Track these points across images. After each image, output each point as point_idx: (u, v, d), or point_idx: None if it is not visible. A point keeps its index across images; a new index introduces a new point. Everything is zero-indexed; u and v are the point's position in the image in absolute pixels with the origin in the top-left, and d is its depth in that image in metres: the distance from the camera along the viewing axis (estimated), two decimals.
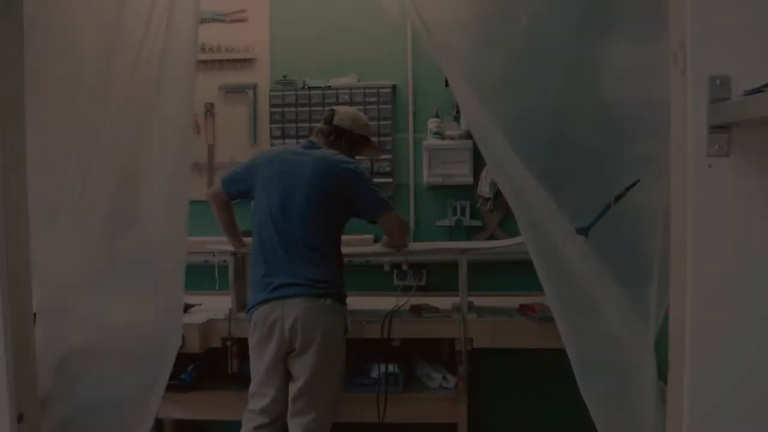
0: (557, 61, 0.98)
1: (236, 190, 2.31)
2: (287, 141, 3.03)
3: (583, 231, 0.97)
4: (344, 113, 2.33)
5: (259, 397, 2.17)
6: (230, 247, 2.51)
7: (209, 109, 3.10)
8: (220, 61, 3.10)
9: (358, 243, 2.93)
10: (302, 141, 2.36)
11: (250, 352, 2.21)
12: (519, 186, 0.98)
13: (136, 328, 1.27)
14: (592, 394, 1.04)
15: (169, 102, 1.24)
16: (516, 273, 2.96)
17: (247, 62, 3.09)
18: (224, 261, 2.59)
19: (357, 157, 2.41)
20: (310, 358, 2.09)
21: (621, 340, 1.02)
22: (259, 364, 2.17)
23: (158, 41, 1.20)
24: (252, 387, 2.20)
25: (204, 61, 3.09)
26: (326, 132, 2.30)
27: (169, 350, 1.32)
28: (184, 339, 2.41)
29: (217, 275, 2.94)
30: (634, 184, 0.96)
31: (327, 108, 2.42)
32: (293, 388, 2.13)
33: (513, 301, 2.68)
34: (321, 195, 2.15)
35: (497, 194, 2.94)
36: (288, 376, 2.17)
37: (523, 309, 2.50)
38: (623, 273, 1.00)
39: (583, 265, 0.97)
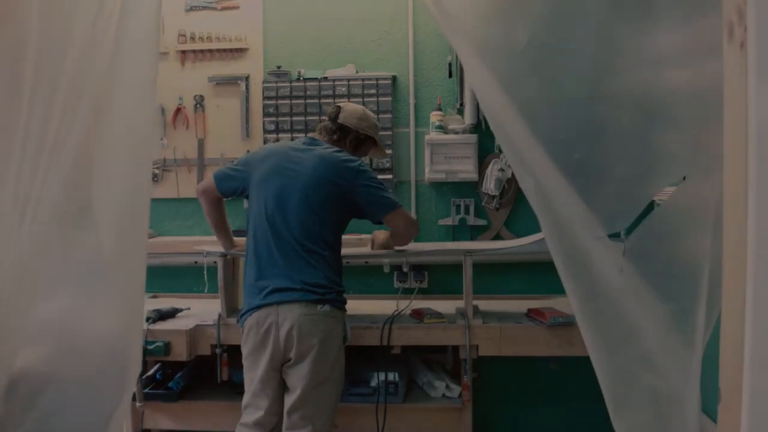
0: (588, 40, 0.83)
1: (230, 187, 2.18)
2: (281, 135, 2.88)
3: (619, 237, 0.83)
4: (351, 111, 2.20)
5: (252, 410, 2.04)
6: (220, 248, 2.36)
7: (199, 102, 2.95)
8: (210, 51, 2.95)
9: (356, 244, 2.80)
10: (302, 137, 2.22)
11: (243, 361, 2.07)
12: (543, 183, 0.83)
13: (90, 346, 1.10)
14: (625, 426, 0.89)
15: (127, 91, 1.08)
16: (522, 275, 2.85)
17: (239, 52, 2.94)
18: (214, 262, 2.45)
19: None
20: (307, 368, 1.95)
21: (660, 365, 0.87)
22: (252, 374, 2.04)
23: (112, 22, 1.04)
24: (245, 398, 2.06)
25: (194, 51, 2.95)
26: (330, 130, 2.18)
27: (129, 372, 1.16)
28: (170, 346, 2.30)
29: (206, 277, 2.80)
30: (680, 181, 0.81)
31: (334, 104, 2.28)
32: (288, 400, 1.99)
33: (520, 305, 2.55)
34: (321, 195, 2.02)
35: (503, 192, 2.80)
36: (283, 387, 2.02)
37: (533, 314, 2.36)
38: (665, 286, 0.85)
39: (618, 276, 0.82)
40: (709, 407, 0.89)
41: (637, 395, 0.87)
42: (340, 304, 2.06)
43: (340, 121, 2.17)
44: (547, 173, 0.81)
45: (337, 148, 2.13)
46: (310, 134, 2.25)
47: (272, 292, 1.98)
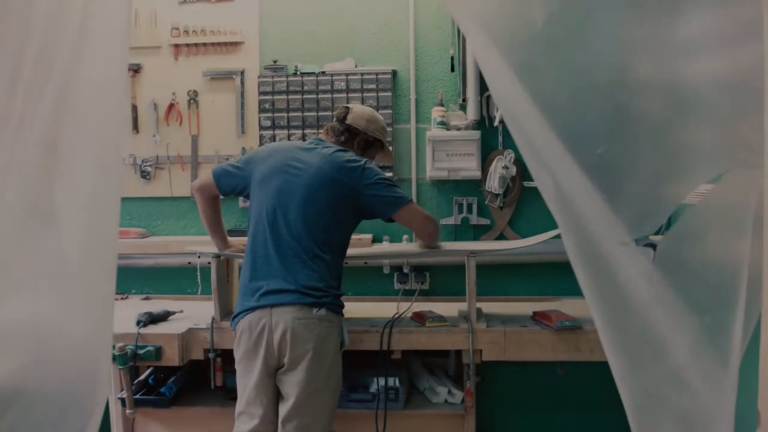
0: (613, 20, 0.74)
1: (229, 186, 2.09)
2: (277, 132, 2.79)
3: (646, 242, 0.74)
4: (360, 112, 2.14)
5: (246, 418, 1.95)
6: (214, 249, 2.27)
7: (193, 98, 2.86)
8: (204, 44, 2.86)
9: (355, 244, 2.71)
10: (309, 138, 2.15)
11: (236, 366, 1.98)
12: (562, 182, 0.73)
13: (48, 364, 1.00)
14: None
15: (93, 85, 0.98)
16: (527, 276, 2.77)
17: (234, 46, 2.85)
18: (208, 263, 2.36)
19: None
20: (301, 374, 1.87)
21: (690, 381, 0.78)
22: (245, 380, 1.96)
23: (76, 13, 0.94)
24: (238, 405, 1.98)
25: (187, 45, 2.86)
26: (338, 131, 2.11)
27: (96, 394, 1.05)
28: (162, 351, 2.21)
29: (199, 279, 2.71)
30: (715, 179, 0.72)
31: (342, 105, 2.21)
32: (283, 408, 1.91)
33: (525, 308, 2.47)
34: (325, 195, 1.95)
35: (507, 190, 2.71)
36: (278, 395, 1.93)
37: (538, 317, 2.27)
38: (697, 296, 0.76)
39: (646, 286, 0.73)
40: (744, 428, 0.80)
41: (665, 417, 0.78)
42: (337, 308, 1.97)
43: (348, 122, 2.10)
44: (566, 171, 0.72)
45: (341, 148, 2.06)
46: (317, 135, 2.18)
47: (266, 294, 1.90)
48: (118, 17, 0.99)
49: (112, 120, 1.02)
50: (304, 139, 2.64)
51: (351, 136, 2.10)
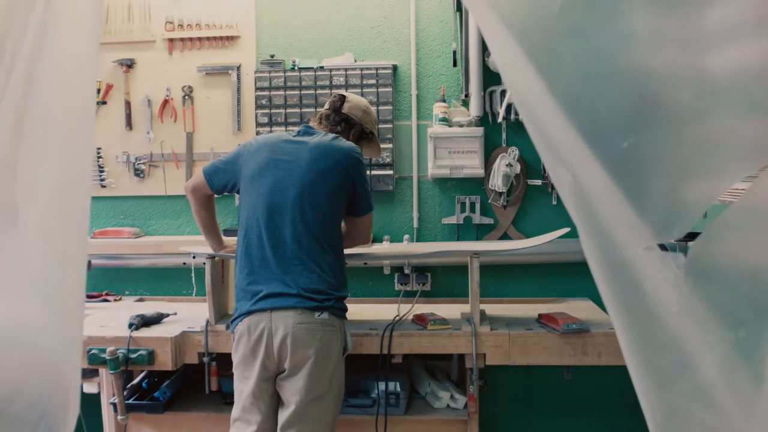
0: (640, 2, 0.66)
1: (221, 183, 2.01)
2: (275, 128, 2.71)
3: (675, 246, 0.67)
4: (356, 102, 2.07)
5: (242, 424, 1.88)
6: (209, 249, 2.19)
7: (187, 93, 2.78)
8: (199, 39, 2.78)
9: None
10: (299, 127, 2.04)
11: (234, 371, 1.90)
12: (581, 179, 0.66)
13: (13, 380, 0.91)
14: None
15: (59, 79, 0.90)
16: (531, 277, 2.70)
17: (229, 40, 2.77)
18: (203, 264, 2.28)
19: None
20: (302, 381, 1.79)
21: (720, 400, 0.70)
22: (242, 385, 1.88)
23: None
24: (234, 411, 1.91)
25: (182, 40, 2.78)
26: (334, 120, 2.04)
27: (67, 415, 0.96)
28: (155, 355, 2.14)
29: (194, 280, 2.64)
30: (755, 175, 0.64)
31: (334, 93, 2.13)
32: (282, 415, 1.84)
33: (530, 310, 2.40)
34: (322, 188, 1.87)
35: (511, 188, 2.64)
36: (277, 401, 1.87)
37: (544, 320, 2.19)
38: (732, 306, 0.68)
39: (674, 295, 0.66)
40: None
41: None
42: (340, 312, 1.89)
43: (345, 111, 2.03)
44: (586, 167, 0.64)
45: (335, 136, 1.98)
46: (307, 122, 2.08)
47: (265, 297, 1.82)
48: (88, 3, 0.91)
49: (80, 116, 0.94)
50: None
51: (348, 126, 2.03)
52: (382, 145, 2.65)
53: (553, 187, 2.63)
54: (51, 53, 0.90)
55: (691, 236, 0.66)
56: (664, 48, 0.65)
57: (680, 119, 0.64)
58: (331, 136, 1.96)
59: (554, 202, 2.68)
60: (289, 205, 1.85)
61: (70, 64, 0.91)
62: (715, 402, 0.72)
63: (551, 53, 0.66)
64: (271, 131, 2.71)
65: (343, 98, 2.05)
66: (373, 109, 2.16)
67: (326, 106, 2.08)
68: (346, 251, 2.06)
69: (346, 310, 1.93)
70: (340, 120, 2.02)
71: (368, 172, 2.61)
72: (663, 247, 0.66)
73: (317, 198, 1.85)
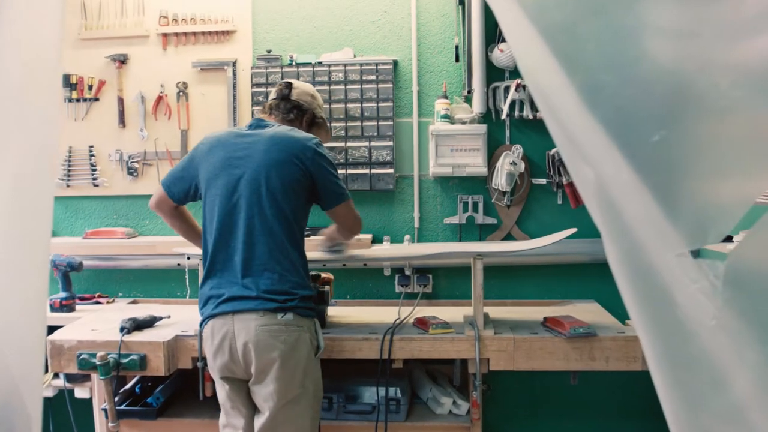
0: None
1: (180, 192, 1.92)
2: None
3: (712, 254, 0.59)
4: (303, 88, 2.02)
5: (230, 430, 1.84)
6: (200, 251, 2.11)
7: (182, 90, 2.71)
8: (194, 33, 2.70)
9: (354, 245, 2.56)
10: (250, 120, 1.97)
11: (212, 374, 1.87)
12: (606, 178, 0.58)
13: None
14: None
15: (14, 60, 0.82)
16: (536, 278, 2.63)
17: (225, 35, 2.69)
18: (197, 265, 2.21)
19: None
20: (271, 386, 1.73)
21: (756, 422, 0.63)
22: (220, 389, 1.85)
23: None
24: (221, 418, 1.88)
25: (176, 34, 2.71)
26: (285, 108, 1.96)
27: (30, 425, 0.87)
28: (147, 360, 2.07)
29: (188, 282, 2.57)
30: None
31: (280, 81, 2.06)
32: (258, 422, 1.78)
33: (534, 312, 2.32)
34: (276, 183, 1.77)
35: (515, 187, 2.56)
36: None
37: (550, 324, 2.12)
38: None
39: (709, 308, 0.58)
40: None
41: None
42: (307, 312, 1.80)
43: (294, 98, 1.96)
44: (610, 163, 0.57)
45: (291, 128, 1.89)
46: (257, 115, 2.01)
47: (227, 301, 1.76)
48: None
49: (41, 104, 0.86)
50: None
51: (300, 113, 1.96)
52: (382, 143, 2.59)
53: (558, 186, 2.56)
54: (7, 41, 0.82)
55: (728, 241, 0.59)
56: (699, 29, 0.57)
57: (716, 110, 0.56)
58: (286, 127, 1.88)
59: (559, 202, 2.61)
60: (245, 203, 1.77)
61: (30, 54, 0.83)
62: (751, 424, 0.64)
63: (570, 34, 0.59)
64: None
65: (289, 85, 1.98)
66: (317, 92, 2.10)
67: (273, 95, 2.00)
68: (364, 252, 1.99)
69: (313, 309, 1.84)
70: (292, 107, 1.95)
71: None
72: (696, 253, 0.59)
73: (274, 193, 1.77)
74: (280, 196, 1.77)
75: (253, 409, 1.81)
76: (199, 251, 2.11)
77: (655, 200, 0.58)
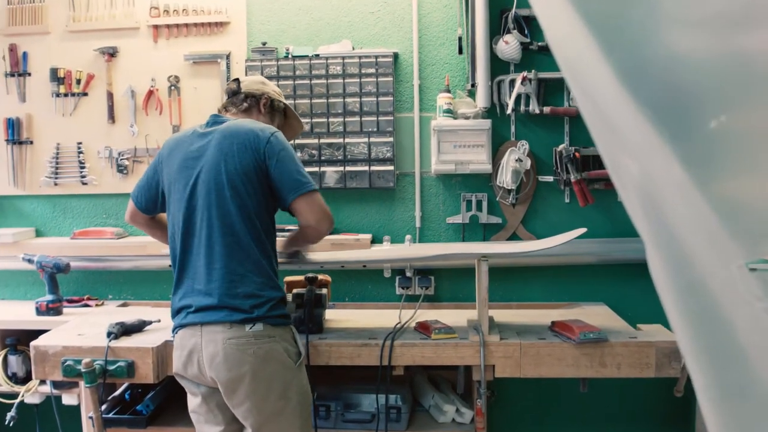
0: None
1: (149, 201, 1.83)
2: None
3: None
4: (251, 79, 1.95)
5: None
6: None
7: (174, 84, 2.60)
8: (186, 25, 2.60)
9: (353, 245, 2.47)
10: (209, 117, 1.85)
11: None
12: (654, 175, 0.48)
13: None
14: None
15: None
16: (542, 279, 2.53)
17: (219, 26, 2.59)
18: None
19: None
20: (247, 402, 1.63)
21: None
22: (192, 399, 1.76)
23: None
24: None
25: (168, 26, 2.60)
26: (237, 101, 1.86)
27: None
28: (135, 366, 1.97)
29: None
30: None
31: (229, 81, 1.98)
32: None
33: (541, 316, 2.23)
34: (231, 177, 1.65)
35: (520, 185, 2.46)
36: (228, 410, 1.71)
37: (558, 328, 2.02)
38: None
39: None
40: None
41: None
42: (278, 320, 1.67)
43: (244, 90, 1.86)
44: (659, 155, 0.47)
45: (243, 119, 1.79)
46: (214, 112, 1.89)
47: (194, 312, 1.65)
48: None
49: None
50: None
51: (254, 100, 1.86)
52: (383, 139, 2.48)
53: (566, 184, 2.45)
54: None
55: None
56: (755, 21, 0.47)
57: None
58: (243, 120, 1.77)
59: (567, 200, 2.50)
60: (202, 205, 1.66)
61: None
62: None
63: (609, 17, 0.49)
64: None
65: (237, 80, 1.91)
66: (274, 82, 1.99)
67: (225, 96, 1.91)
68: (363, 254, 1.85)
69: (286, 315, 1.71)
70: (244, 97, 1.85)
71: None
72: (761, 266, 0.49)
73: (230, 188, 1.64)
74: (236, 191, 1.65)
75: (231, 416, 1.71)
76: None
77: (711, 201, 0.48)
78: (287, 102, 1.99)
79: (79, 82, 2.64)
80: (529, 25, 2.45)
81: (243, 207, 1.65)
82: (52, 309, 2.36)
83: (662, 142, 0.49)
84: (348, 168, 2.49)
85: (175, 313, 1.73)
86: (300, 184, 1.67)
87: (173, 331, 1.75)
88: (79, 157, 2.65)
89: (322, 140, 2.48)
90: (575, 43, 0.52)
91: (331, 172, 2.49)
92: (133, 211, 1.87)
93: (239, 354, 1.60)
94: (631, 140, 0.50)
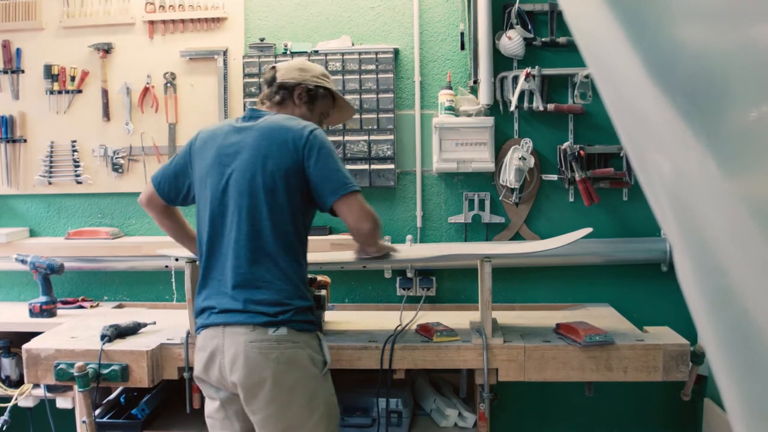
0: None
1: (172, 190, 1.75)
2: None
3: None
4: (287, 66, 1.77)
5: None
6: (188, 252, 1.97)
7: (170, 81, 2.55)
8: (182, 21, 2.55)
9: (352, 246, 2.41)
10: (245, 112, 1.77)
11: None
12: (686, 173, 0.44)
13: None
14: None
15: None
16: (545, 280, 2.48)
17: (216, 22, 2.53)
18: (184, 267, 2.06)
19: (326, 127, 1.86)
20: (265, 410, 1.55)
21: None
22: (209, 403, 1.69)
23: None
24: None
25: (164, 22, 2.55)
26: (271, 93, 1.74)
27: None
28: (129, 370, 1.93)
29: (174, 285, 2.42)
30: None
31: (267, 68, 1.83)
32: None
33: (545, 318, 2.18)
34: (266, 182, 1.58)
35: (524, 184, 2.40)
36: (247, 417, 1.64)
37: (563, 331, 1.97)
38: None
39: None
40: None
41: None
42: (304, 325, 1.60)
43: (279, 81, 1.73)
44: (688, 154, 0.42)
45: (281, 115, 1.68)
46: (250, 105, 1.80)
47: (218, 313, 1.59)
48: None
49: None
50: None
51: (288, 92, 1.72)
52: (383, 137, 2.43)
53: (570, 183, 2.40)
54: None
55: None
56: None
57: None
58: (282, 116, 1.67)
59: (571, 199, 2.45)
60: (233, 207, 1.59)
61: None
62: None
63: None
64: None
65: (273, 70, 1.77)
66: (314, 63, 1.81)
67: (264, 86, 1.79)
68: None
69: (312, 321, 1.64)
70: (277, 89, 1.73)
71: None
72: None
73: (264, 192, 1.57)
74: (270, 196, 1.58)
75: (248, 427, 1.63)
76: (188, 253, 1.97)
77: (749, 203, 0.43)
78: (332, 85, 1.80)
79: (73, 79, 2.59)
80: (532, 20, 2.39)
81: (275, 212, 1.58)
82: (46, 311, 2.31)
83: (696, 138, 0.44)
84: (347, 166, 2.42)
85: (199, 313, 1.66)
86: (339, 185, 1.58)
87: (197, 332, 1.68)
88: (73, 155, 2.60)
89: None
90: (599, 28, 0.47)
91: None
92: (152, 195, 1.77)
93: (261, 358, 1.53)
94: (662, 135, 0.45)
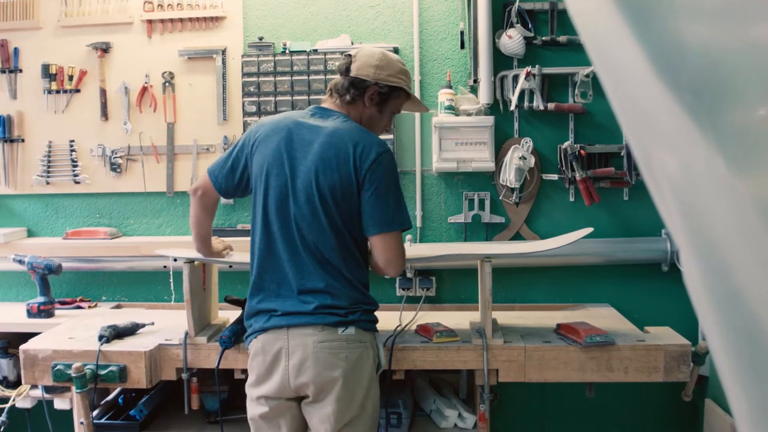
0: None
1: (228, 186, 1.69)
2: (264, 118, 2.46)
3: None
4: (366, 58, 1.63)
5: None
6: (190, 252, 1.95)
7: (168, 80, 2.54)
8: (181, 20, 2.53)
9: None
10: (312, 107, 1.69)
11: (246, 390, 1.65)
12: (689, 173, 0.42)
13: None
14: None
15: None
16: (546, 280, 2.47)
17: (214, 21, 2.52)
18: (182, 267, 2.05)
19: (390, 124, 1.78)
20: (330, 407, 1.54)
21: None
22: (254, 409, 1.62)
23: None
24: None
25: (162, 21, 2.54)
26: (342, 88, 1.63)
27: None
28: (127, 371, 1.92)
29: (172, 286, 2.40)
30: None
31: (344, 53, 1.72)
32: None
33: (545, 318, 2.17)
34: (331, 192, 1.55)
35: (524, 184, 2.39)
36: (298, 424, 1.62)
37: (564, 331, 1.96)
38: None
39: None
40: None
41: None
42: (370, 324, 1.62)
43: (353, 74, 1.62)
44: (695, 152, 0.41)
45: (352, 124, 1.61)
46: (323, 101, 1.71)
47: (280, 316, 1.57)
48: None
49: None
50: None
51: (359, 92, 1.61)
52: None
53: (570, 182, 2.39)
54: None
55: None
56: None
57: None
58: (351, 125, 1.60)
59: (572, 199, 2.44)
60: (300, 209, 1.56)
61: None
62: None
63: None
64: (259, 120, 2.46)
65: (350, 58, 1.64)
66: (397, 57, 1.69)
67: (337, 71, 1.70)
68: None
69: (375, 321, 1.66)
70: (349, 85, 1.61)
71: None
72: None
73: (329, 197, 1.55)
74: (333, 206, 1.55)
75: (295, 430, 1.62)
76: (187, 253, 1.96)
77: (759, 203, 0.42)
78: (408, 86, 1.69)
79: (71, 78, 2.57)
80: (533, 19, 2.38)
81: (336, 222, 1.56)
82: (44, 311, 2.30)
83: (703, 136, 0.43)
84: None
85: (252, 315, 1.63)
86: (385, 221, 1.56)
87: (251, 335, 1.63)
88: (71, 155, 2.59)
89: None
90: (604, 23, 0.46)
91: None
92: (207, 188, 1.70)
93: (331, 358, 1.52)
94: (668, 133, 0.44)
